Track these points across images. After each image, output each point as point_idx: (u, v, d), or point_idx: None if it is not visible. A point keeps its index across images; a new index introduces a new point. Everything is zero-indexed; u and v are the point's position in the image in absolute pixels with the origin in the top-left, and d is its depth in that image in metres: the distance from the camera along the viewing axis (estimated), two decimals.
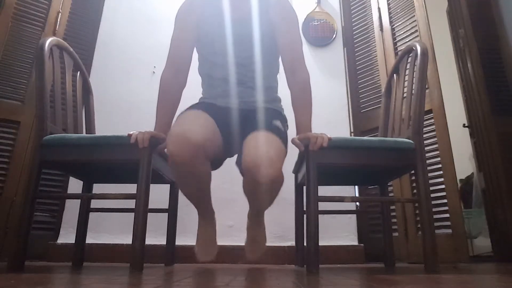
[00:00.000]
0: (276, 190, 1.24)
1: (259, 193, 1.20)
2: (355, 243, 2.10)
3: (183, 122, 1.21)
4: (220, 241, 2.04)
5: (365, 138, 1.36)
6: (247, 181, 1.20)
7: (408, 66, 1.51)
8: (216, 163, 1.40)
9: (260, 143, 1.17)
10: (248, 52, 1.41)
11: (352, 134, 2.42)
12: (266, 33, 1.42)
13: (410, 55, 1.49)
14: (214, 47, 1.42)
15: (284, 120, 1.46)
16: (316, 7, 2.59)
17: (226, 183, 2.10)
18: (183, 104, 1.47)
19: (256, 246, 1.58)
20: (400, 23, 2.35)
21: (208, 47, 1.44)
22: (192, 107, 1.41)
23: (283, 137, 1.31)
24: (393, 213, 2.12)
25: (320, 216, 1.23)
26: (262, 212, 1.48)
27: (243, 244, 2.03)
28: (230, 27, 1.41)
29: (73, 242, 1.58)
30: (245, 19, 1.42)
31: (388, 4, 2.44)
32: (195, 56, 1.50)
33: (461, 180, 3.26)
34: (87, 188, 1.62)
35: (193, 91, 1.52)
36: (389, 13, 2.42)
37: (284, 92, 1.50)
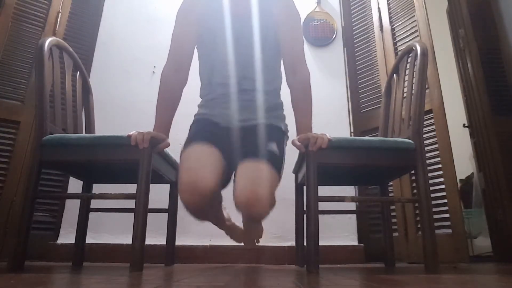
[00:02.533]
0: (266, 214, 1.27)
1: (251, 221, 1.40)
2: (355, 243, 2.10)
3: (191, 166, 1.22)
4: (220, 241, 2.05)
5: (365, 138, 1.36)
6: (239, 210, 1.25)
7: (408, 66, 1.51)
8: (224, 184, 1.41)
9: (250, 177, 1.20)
10: (249, 49, 1.39)
11: (352, 134, 2.42)
12: (268, 29, 1.41)
13: (410, 55, 1.49)
14: (215, 43, 1.40)
15: (282, 137, 1.43)
16: (316, 7, 2.58)
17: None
18: (184, 105, 1.47)
19: (251, 235, 1.67)
20: (400, 23, 2.35)
21: (209, 44, 1.42)
22: (196, 137, 1.35)
23: (276, 161, 1.30)
24: (393, 213, 2.12)
25: (320, 216, 1.23)
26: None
27: (243, 244, 2.03)
28: (232, 23, 1.40)
29: (73, 242, 1.58)
30: (247, 15, 1.41)
31: (388, 4, 2.44)
32: (196, 55, 1.49)
33: (461, 180, 3.26)
34: (87, 188, 1.62)
35: (193, 91, 1.51)
36: (389, 13, 2.42)
37: (284, 92, 1.50)
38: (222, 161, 1.29)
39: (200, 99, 1.51)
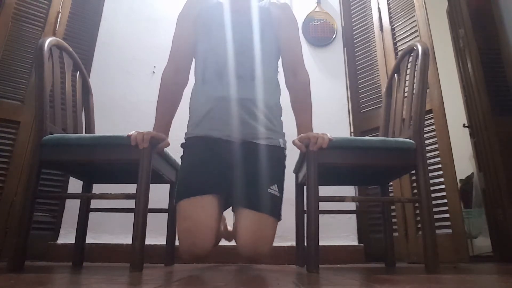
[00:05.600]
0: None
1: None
2: (355, 243, 2.10)
3: (190, 226, 1.24)
4: (221, 241, 2.04)
5: (366, 138, 1.36)
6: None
7: (409, 66, 1.51)
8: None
9: (252, 230, 1.26)
10: (246, 47, 1.39)
11: (352, 134, 2.42)
12: (266, 32, 1.43)
13: (411, 55, 1.49)
14: (211, 38, 1.40)
15: (282, 158, 1.41)
16: (316, 7, 2.59)
17: None
18: (184, 104, 1.47)
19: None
20: (400, 23, 2.35)
21: (205, 37, 1.42)
22: (191, 185, 1.30)
23: (277, 205, 1.32)
24: (393, 213, 2.12)
25: (320, 216, 1.23)
26: None
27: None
28: (230, 21, 1.41)
29: (73, 242, 1.58)
30: (245, 15, 1.42)
31: (388, 4, 2.44)
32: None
33: (461, 180, 3.26)
34: (87, 188, 1.62)
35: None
36: (389, 13, 2.42)
37: (284, 94, 1.50)
38: (220, 209, 1.32)
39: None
